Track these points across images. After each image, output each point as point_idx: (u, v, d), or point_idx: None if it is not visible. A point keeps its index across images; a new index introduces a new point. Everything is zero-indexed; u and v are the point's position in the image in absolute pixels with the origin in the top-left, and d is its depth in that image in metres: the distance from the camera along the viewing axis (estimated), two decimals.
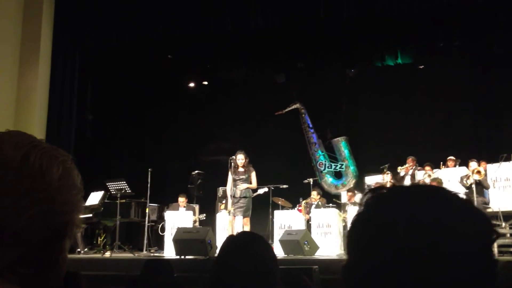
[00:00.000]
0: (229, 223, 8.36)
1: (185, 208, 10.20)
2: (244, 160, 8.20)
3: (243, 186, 8.15)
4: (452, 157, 10.05)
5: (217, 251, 7.18)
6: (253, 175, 8.25)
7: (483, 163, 9.42)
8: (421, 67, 12.07)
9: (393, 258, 0.66)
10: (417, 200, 0.71)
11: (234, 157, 8.29)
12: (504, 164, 8.92)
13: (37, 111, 10.18)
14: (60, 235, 0.76)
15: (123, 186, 9.69)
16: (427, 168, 9.84)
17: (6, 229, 0.70)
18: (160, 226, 10.15)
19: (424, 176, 9.64)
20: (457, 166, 9.93)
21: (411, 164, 10.21)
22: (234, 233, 8.39)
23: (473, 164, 9.20)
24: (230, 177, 8.30)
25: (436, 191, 0.75)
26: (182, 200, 10.30)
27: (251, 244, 1.70)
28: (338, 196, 11.36)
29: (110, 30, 10.68)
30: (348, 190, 10.89)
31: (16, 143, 0.75)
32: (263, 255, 1.66)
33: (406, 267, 0.65)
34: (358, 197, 10.54)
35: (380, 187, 0.76)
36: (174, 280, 2.70)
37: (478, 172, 8.97)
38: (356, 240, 0.72)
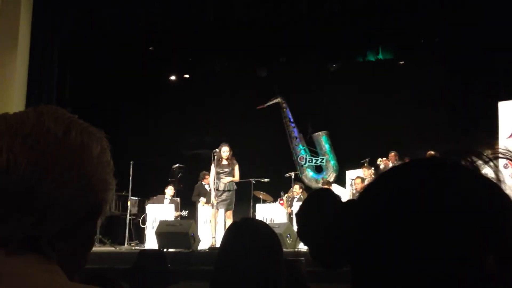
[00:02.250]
0: (212, 216, 8.35)
1: (169, 201, 10.12)
2: (229, 153, 8.19)
3: (226, 179, 8.14)
4: (431, 152, 10.20)
5: (200, 241, 7.11)
6: (237, 168, 8.25)
7: None
8: (401, 63, 12.22)
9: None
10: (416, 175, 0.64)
11: (217, 150, 8.27)
12: None
13: (15, 103, 9.98)
14: (96, 212, 0.77)
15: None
16: None
17: (49, 204, 0.70)
18: (141, 218, 10.08)
19: None
20: None
21: (393, 159, 10.34)
22: (217, 227, 8.41)
23: None
24: (213, 170, 8.28)
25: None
26: (170, 192, 10.20)
27: (256, 230, 1.71)
28: None
29: (90, 21, 10.52)
30: (323, 183, 10.90)
31: (57, 117, 0.75)
32: (269, 240, 1.67)
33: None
34: (334, 187, 10.59)
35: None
36: (168, 270, 2.71)
37: None
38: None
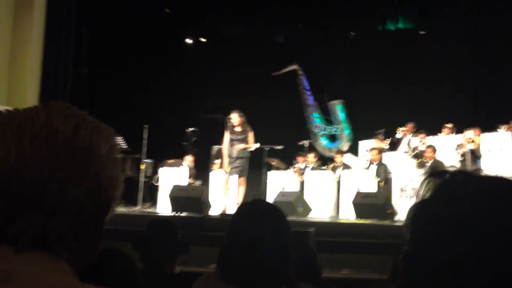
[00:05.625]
0: (225, 182, 8.40)
1: (186, 168, 10.16)
2: (238, 119, 8.12)
3: (239, 146, 8.14)
4: (448, 125, 10.07)
5: (210, 209, 7.16)
6: (251, 135, 8.21)
7: (476, 130, 9.44)
8: (422, 33, 11.96)
9: (466, 254, 0.62)
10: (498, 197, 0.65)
11: (230, 116, 8.24)
12: (498, 134, 8.97)
13: (32, 63, 9.98)
14: (105, 209, 0.78)
15: (119, 141, 9.67)
16: (421, 135, 9.84)
17: (58, 203, 0.71)
18: (157, 177, 10.16)
19: (419, 143, 9.69)
20: (454, 134, 9.96)
21: (410, 130, 10.25)
22: (229, 193, 8.47)
23: (468, 133, 9.23)
24: (226, 137, 8.27)
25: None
26: (189, 158, 10.28)
27: (266, 212, 1.71)
28: (332, 159, 11.41)
29: None
30: (336, 152, 10.80)
31: (66, 116, 0.75)
32: (278, 223, 1.68)
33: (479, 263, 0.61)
34: (346, 157, 10.53)
35: (446, 172, 0.69)
36: (179, 240, 2.75)
37: (473, 141, 9.03)
38: (425, 230, 0.66)
